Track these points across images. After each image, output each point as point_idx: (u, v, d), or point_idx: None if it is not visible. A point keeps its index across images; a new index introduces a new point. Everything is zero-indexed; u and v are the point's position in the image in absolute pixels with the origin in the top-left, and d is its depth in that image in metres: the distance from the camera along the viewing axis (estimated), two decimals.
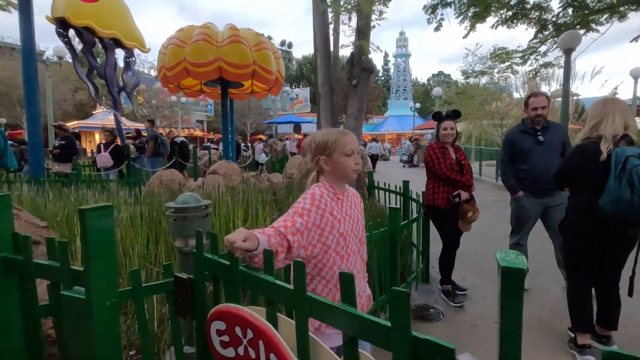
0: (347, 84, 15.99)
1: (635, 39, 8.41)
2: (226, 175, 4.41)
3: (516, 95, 18.04)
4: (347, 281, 0.77)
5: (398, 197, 4.42)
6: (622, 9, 8.02)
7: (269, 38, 8.12)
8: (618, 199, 1.93)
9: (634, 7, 8.02)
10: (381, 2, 3.41)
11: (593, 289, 2.33)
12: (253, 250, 1.05)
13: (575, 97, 16.56)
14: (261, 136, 29.46)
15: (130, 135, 11.22)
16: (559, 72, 18.92)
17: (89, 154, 16.60)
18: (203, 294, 1.49)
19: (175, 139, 9.09)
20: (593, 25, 8.31)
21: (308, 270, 1.29)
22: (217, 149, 13.09)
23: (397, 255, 2.67)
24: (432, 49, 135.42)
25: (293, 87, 37.36)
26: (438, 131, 3.10)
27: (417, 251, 3.49)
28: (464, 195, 2.98)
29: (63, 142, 6.85)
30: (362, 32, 3.35)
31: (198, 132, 30.48)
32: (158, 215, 2.85)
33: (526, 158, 3.13)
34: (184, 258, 2.00)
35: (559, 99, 17.40)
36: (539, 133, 3.10)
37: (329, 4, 3.57)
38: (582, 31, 8.17)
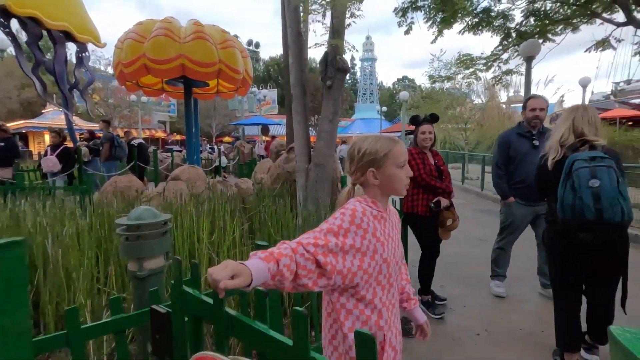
0: (315, 86, 15.84)
1: (588, 50, 8.91)
2: (190, 181, 4.08)
3: (477, 101, 18.77)
4: (367, 345, 0.56)
5: None
6: (575, 21, 8.48)
7: (236, 37, 7.76)
8: (562, 204, 1.97)
9: (585, 20, 8.52)
10: (356, 1, 3.26)
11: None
12: (246, 286, 0.83)
13: None
14: (228, 138, 28.71)
15: (83, 136, 10.40)
16: (515, 79, 19.96)
17: (36, 157, 15.30)
18: (181, 332, 1.23)
19: (133, 141, 8.49)
20: (549, 36, 8.72)
21: (342, 303, 1.08)
22: (180, 152, 12.47)
23: None
24: (396, 55, 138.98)
25: (260, 88, 36.76)
26: (416, 136, 2.98)
27: None
28: (444, 202, 2.87)
29: (2, 144, 6.13)
30: (337, 31, 3.17)
31: (160, 134, 29.17)
32: (110, 229, 2.51)
33: (520, 162, 3.07)
34: (139, 284, 1.71)
35: (514, 105, 18.39)
36: (534, 137, 3.05)
37: (301, 2, 3.36)
38: (540, 40, 8.55)
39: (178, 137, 28.30)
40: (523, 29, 8.01)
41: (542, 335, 2.64)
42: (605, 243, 1.95)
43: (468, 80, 11.47)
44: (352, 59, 70.58)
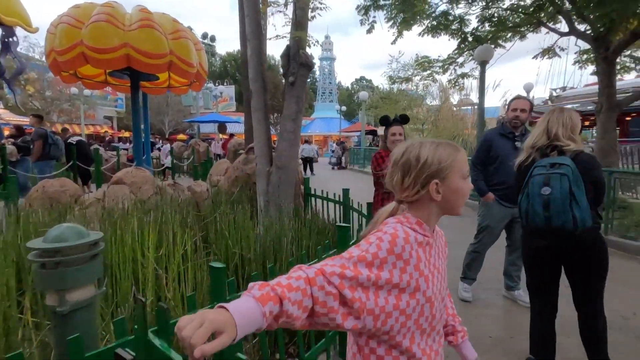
0: (274, 83, 15.54)
1: (536, 57, 9.44)
2: (135, 185, 3.64)
3: (433, 103, 19.40)
4: None
5: (337, 206, 4.12)
6: (523, 29, 8.94)
7: (189, 29, 7.21)
8: (520, 210, 1.99)
9: (532, 29, 9.01)
10: None
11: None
12: (231, 340, 0.60)
13: (476, 106, 18.44)
14: (182, 136, 27.33)
15: (9, 132, 9.26)
16: (467, 83, 20.91)
17: None
18: None
19: (71, 139, 7.67)
20: (500, 42, 9.12)
21: (372, 347, 0.86)
22: (127, 150, 11.54)
23: None
24: (354, 56, 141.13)
25: (217, 84, 35.48)
26: (386, 137, 2.84)
27: None
28: None
29: None
30: (300, 23, 2.94)
31: (107, 130, 27.13)
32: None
33: (502, 163, 3.01)
34: (60, 322, 1.36)
35: (464, 107, 19.27)
36: (516, 139, 3.02)
37: None
38: (492, 46, 8.92)
39: (127, 134, 26.49)
40: (478, 33, 8.27)
41: (512, 342, 2.60)
42: (559, 250, 1.95)
43: (425, 82, 11.78)
44: (311, 57, 70.22)
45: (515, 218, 3.07)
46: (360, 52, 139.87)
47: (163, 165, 11.25)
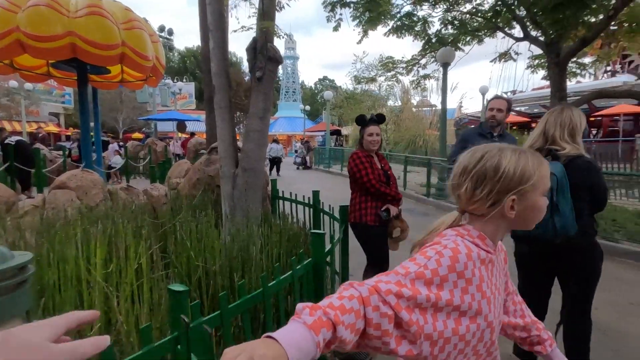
0: (236, 81, 14.93)
1: (493, 60, 9.84)
2: (81, 190, 3.24)
3: (396, 103, 19.79)
4: None
5: (307, 209, 3.96)
6: (481, 33, 9.28)
7: (145, 20, 6.70)
8: None
9: (489, 34, 9.39)
10: None
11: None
12: None
13: (434, 108, 19.20)
14: (138, 134, 25.84)
15: None
16: (427, 84, 21.59)
17: None
18: None
19: (9, 139, 6.90)
20: (460, 45, 9.42)
21: None
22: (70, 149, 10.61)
23: (324, 291, 2.15)
24: (316, 56, 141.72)
25: (176, 80, 33.97)
26: (362, 137, 2.72)
27: (333, 273, 3.04)
28: (394, 210, 2.66)
29: None
30: (267, 13, 2.74)
31: (52, 128, 25.06)
32: None
33: None
34: None
35: (424, 109, 19.91)
36: (494, 138, 2.99)
37: None
38: (452, 48, 9.18)
39: (71, 132, 24.62)
40: (442, 35, 8.45)
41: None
42: (546, 256, 1.92)
43: (390, 82, 11.92)
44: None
45: None
46: (323, 53, 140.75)
47: (109, 165, 10.46)
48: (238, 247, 2.24)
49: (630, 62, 21.20)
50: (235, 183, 2.96)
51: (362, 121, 2.73)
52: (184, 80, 40.75)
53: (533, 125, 25.37)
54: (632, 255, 4.53)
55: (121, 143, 15.07)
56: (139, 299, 1.88)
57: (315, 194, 3.81)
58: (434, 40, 8.37)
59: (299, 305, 0.60)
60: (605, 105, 16.11)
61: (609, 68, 21.50)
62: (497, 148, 0.83)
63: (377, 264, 2.73)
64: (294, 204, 4.14)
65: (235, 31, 3.03)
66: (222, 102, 3.01)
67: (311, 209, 3.88)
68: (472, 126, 3.57)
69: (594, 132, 19.67)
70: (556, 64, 6.64)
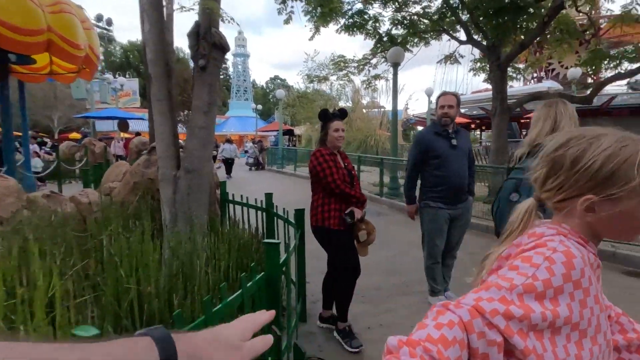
0: (183, 77, 14.10)
1: (439, 62, 10.21)
2: None
3: (347, 104, 19.96)
4: None
5: (260, 213, 3.70)
6: (427, 36, 9.59)
7: (78, 7, 5.96)
8: (492, 213, 1.93)
9: (435, 36, 9.73)
10: None
11: None
12: None
13: (383, 109, 19.77)
14: (75, 134, 23.58)
15: None
16: (377, 86, 22.09)
17: None
18: None
19: None
20: (408, 47, 9.65)
21: None
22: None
23: (279, 305, 1.94)
24: (267, 55, 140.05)
25: (117, 75, 31.51)
26: (325, 134, 2.55)
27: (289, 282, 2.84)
28: (358, 213, 2.50)
29: None
30: None
31: None
32: None
33: (441, 163, 2.89)
34: None
35: (373, 110, 20.37)
36: (452, 136, 2.92)
37: None
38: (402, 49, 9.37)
39: None
40: (392, 34, 8.56)
41: None
42: None
43: (341, 82, 11.96)
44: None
45: (453, 221, 3.03)
46: (274, 52, 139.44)
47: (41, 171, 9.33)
48: (179, 262, 1.95)
49: (553, 70, 23.57)
50: (177, 187, 2.64)
51: (325, 116, 2.55)
52: (127, 76, 38.02)
53: (472, 126, 27.08)
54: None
55: (49, 143, 13.56)
56: (54, 332, 1.54)
57: (268, 196, 3.58)
58: (385, 39, 8.44)
59: (392, 341, 0.52)
60: (533, 109, 17.52)
61: (535, 75, 23.52)
62: (596, 133, 0.65)
63: (347, 270, 2.55)
64: (246, 208, 3.87)
65: (175, 10, 2.70)
66: (160, 94, 2.66)
67: (264, 213, 3.64)
68: (424, 128, 3.50)
69: (524, 132, 21.42)
70: (498, 67, 7.00)
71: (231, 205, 4.09)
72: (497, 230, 1.90)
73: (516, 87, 20.45)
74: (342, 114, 2.60)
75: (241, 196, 3.95)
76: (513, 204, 1.67)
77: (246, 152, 17.71)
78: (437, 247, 3.08)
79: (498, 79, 7.11)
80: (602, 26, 8.23)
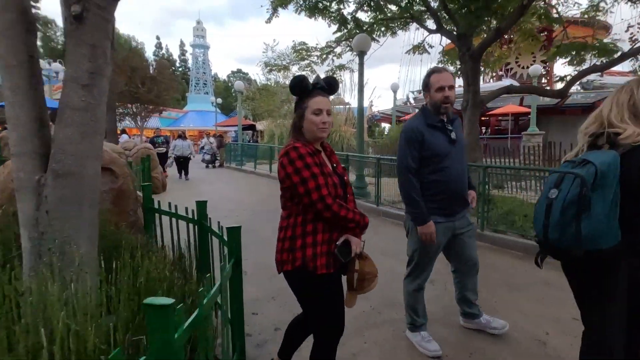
0: (131, 67, 12.73)
1: (408, 52, 9.68)
2: None
3: None
4: None
5: (192, 226, 2.83)
6: (394, 25, 9.02)
7: None
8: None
9: (402, 26, 9.19)
10: None
11: None
12: None
13: (348, 106, 19.35)
14: None
15: None
16: (342, 76, 21.53)
17: None
18: None
19: None
20: (374, 36, 9.03)
21: None
22: None
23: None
24: (229, 48, 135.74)
25: (56, 61, 28.42)
26: (301, 117, 1.59)
27: (224, 319, 1.98)
28: (356, 244, 1.59)
29: None
30: None
31: None
32: None
33: (439, 164, 2.15)
34: None
35: (337, 106, 19.82)
36: (449, 127, 2.21)
37: None
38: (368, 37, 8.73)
39: None
40: (358, 17, 7.85)
41: None
42: (567, 269, 1.50)
43: (303, 72, 11.13)
44: (182, 44, 64.93)
45: (458, 233, 2.33)
46: (237, 46, 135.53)
47: None
48: (33, 322, 1.06)
49: (511, 69, 24.44)
50: (42, 198, 1.72)
51: (301, 87, 1.57)
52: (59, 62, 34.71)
53: None
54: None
55: None
56: None
57: (201, 205, 2.69)
58: (350, 24, 7.73)
59: None
60: (494, 106, 17.70)
61: (493, 74, 24.16)
62: None
63: (329, 330, 1.64)
64: (174, 221, 2.97)
65: None
66: (10, 56, 1.72)
67: (196, 227, 2.77)
68: (411, 118, 2.63)
69: (484, 129, 21.82)
70: (470, 56, 6.50)
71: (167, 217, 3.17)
72: (541, 237, 1.42)
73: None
74: (329, 86, 1.62)
75: (169, 204, 3.04)
76: (549, 201, 1.36)
77: (202, 148, 16.32)
78: (426, 272, 2.36)
79: (470, 70, 6.62)
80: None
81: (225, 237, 2.07)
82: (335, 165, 1.70)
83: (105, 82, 1.86)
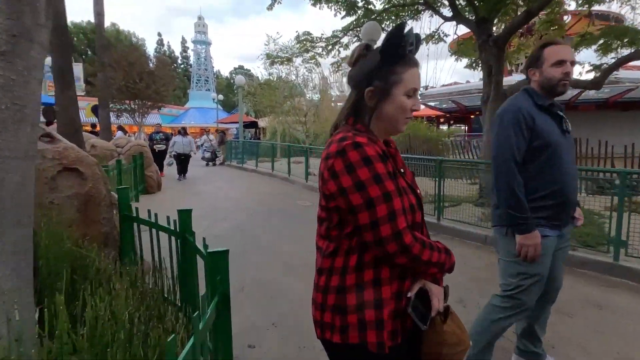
0: (130, 59, 12.12)
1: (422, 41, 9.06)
2: None
3: (315, 97, 18.50)
4: None
5: (175, 239, 2.27)
6: (404, 14, 8.44)
7: None
8: None
9: (413, 15, 8.61)
10: None
11: None
12: None
13: None
14: None
15: None
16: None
17: None
18: None
19: None
20: (383, 27, 8.46)
21: None
22: None
23: None
24: (232, 46, 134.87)
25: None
26: (383, 95, 0.94)
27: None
28: (437, 298, 0.96)
29: None
30: None
31: None
32: None
33: (552, 159, 1.64)
34: None
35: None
36: (562, 116, 1.73)
37: None
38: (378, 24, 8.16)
39: None
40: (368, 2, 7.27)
41: None
42: None
43: (308, 65, 10.58)
44: (184, 40, 64.49)
45: (557, 249, 1.78)
46: (239, 43, 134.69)
47: None
48: None
49: (520, 64, 23.80)
50: None
51: (395, 43, 0.91)
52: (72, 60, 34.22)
53: (442, 120, 26.72)
54: None
55: None
56: None
57: (184, 215, 2.13)
58: (360, 10, 7.15)
59: None
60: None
61: (511, 68, 23.61)
62: None
63: None
64: (157, 233, 2.42)
65: None
66: None
67: (178, 240, 2.21)
68: (513, 97, 1.67)
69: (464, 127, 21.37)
70: (494, 43, 5.90)
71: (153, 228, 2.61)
72: None
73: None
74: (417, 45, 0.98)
75: (148, 212, 2.48)
76: None
77: (202, 145, 15.72)
78: (528, 308, 1.74)
79: (493, 59, 6.01)
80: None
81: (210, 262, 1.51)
82: (403, 171, 1.04)
83: (38, 52, 1.30)
